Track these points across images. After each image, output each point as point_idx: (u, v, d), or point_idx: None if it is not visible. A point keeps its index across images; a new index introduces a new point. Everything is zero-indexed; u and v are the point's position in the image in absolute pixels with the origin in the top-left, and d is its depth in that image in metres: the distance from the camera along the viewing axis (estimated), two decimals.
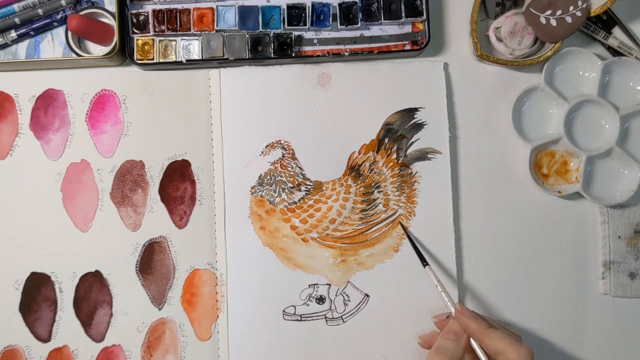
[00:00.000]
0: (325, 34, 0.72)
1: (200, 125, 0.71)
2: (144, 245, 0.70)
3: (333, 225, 0.70)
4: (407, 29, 0.72)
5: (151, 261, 0.70)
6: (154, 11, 0.70)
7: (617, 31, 0.73)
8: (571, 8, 0.67)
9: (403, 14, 0.70)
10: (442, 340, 0.62)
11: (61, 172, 0.70)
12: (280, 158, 0.70)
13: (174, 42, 0.71)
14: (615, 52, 0.73)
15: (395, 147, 0.71)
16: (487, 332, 0.60)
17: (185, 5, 0.70)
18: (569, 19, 0.67)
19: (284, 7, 0.70)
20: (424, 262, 0.67)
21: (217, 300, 0.70)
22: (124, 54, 0.70)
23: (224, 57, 0.70)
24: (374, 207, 0.71)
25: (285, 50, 0.70)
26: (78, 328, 0.69)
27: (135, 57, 0.70)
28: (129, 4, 0.70)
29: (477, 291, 0.71)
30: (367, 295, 0.70)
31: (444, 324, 0.66)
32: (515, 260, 0.72)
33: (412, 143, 0.71)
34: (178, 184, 0.71)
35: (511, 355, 0.57)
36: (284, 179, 0.70)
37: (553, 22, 0.68)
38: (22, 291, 0.69)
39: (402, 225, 0.70)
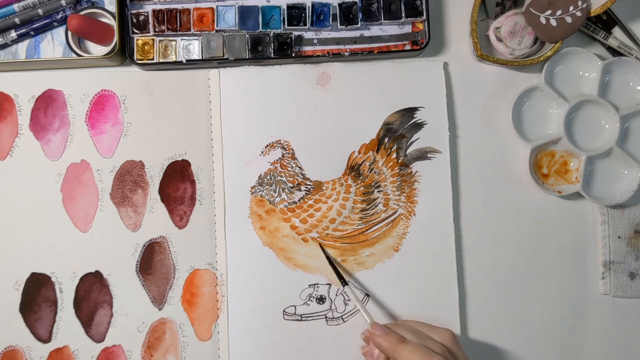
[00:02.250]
0: (325, 34, 0.72)
1: (200, 125, 0.71)
2: (144, 245, 0.70)
3: (333, 225, 0.70)
4: (407, 29, 0.72)
5: (151, 261, 0.70)
6: (154, 11, 0.70)
7: (617, 31, 0.73)
8: (571, 8, 0.67)
9: (403, 14, 0.70)
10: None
11: (61, 172, 0.70)
12: (280, 158, 0.70)
13: (174, 42, 0.71)
14: (615, 52, 0.73)
15: (395, 147, 0.71)
16: (397, 348, 0.60)
17: (185, 5, 0.70)
18: (569, 19, 0.67)
19: (284, 7, 0.70)
20: (343, 282, 0.67)
21: (217, 300, 0.70)
22: (124, 54, 0.70)
23: (224, 57, 0.70)
24: (374, 206, 0.71)
25: (285, 50, 0.70)
26: (78, 328, 0.69)
27: (135, 57, 0.70)
28: (129, 4, 0.70)
29: (477, 291, 0.71)
30: (367, 295, 0.70)
31: (367, 338, 0.67)
32: (515, 260, 0.72)
33: (412, 142, 0.71)
34: (178, 184, 0.71)
35: None
36: (283, 178, 0.70)
37: (553, 22, 0.68)
38: (22, 292, 0.69)
39: (321, 247, 0.70)
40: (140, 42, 0.70)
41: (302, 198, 0.70)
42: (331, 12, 0.71)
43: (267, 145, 0.71)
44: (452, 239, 0.71)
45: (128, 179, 0.71)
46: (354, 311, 0.70)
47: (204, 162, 0.71)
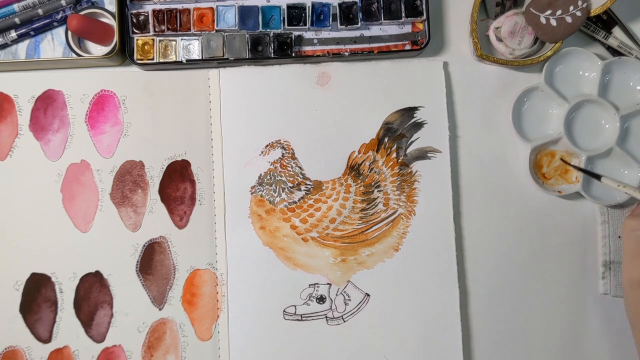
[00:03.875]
0: (325, 34, 0.72)
1: (200, 125, 0.71)
2: (144, 245, 0.70)
3: (333, 224, 0.70)
4: (407, 29, 0.72)
5: (151, 261, 0.70)
6: (154, 11, 0.70)
7: (617, 31, 0.73)
8: (571, 8, 0.67)
9: (403, 14, 0.70)
10: (635, 210, 0.65)
11: (61, 172, 0.70)
12: (280, 158, 0.70)
13: (174, 42, 0.71)
14: (615, 52, 0.73)
15: (395, 146, 0.71)
16: None
17: (185, 5, 0.70)
18: (569, 19, 0.67)
19: (284, 7, 0.70)
20: (597, 177, 0.69)
21: (217, 300, 0.70)
22: (124, 54, 0.70)
23: (224, 57, 0.70)
24: (374, 206, 0.71)
25: (285, 50, 0.70)
26: (78, 329, 0.69)
27: (135, 57, 0.70)
28: (129, 4, 0.70)
29: (478, 290, 0.71)
30: (368, 295, 0.70)
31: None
32: (515, 259, 0.72)
33: (411, 142, 0.71)
34: (178, 184, 0.71)
35: None
36: (283, 178, 0.70)
37: (553, 22, 0.68)
38: (23, 292, 0.69)
39: (566, 162, 0.72)
40: (140, 42, 0.70)
41: (302, 198, 0.70)
42: (331, 12, 0.71)
43: (267, 145, 0.71)
44: (452, 238, 0.70)
45: (128, 179, 0.71)
46: (354, 311, 0.70)
47: (204, 162, 0.71)
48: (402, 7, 0.70)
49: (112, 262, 0.70)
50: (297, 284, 0.70)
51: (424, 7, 0.70)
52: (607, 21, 0.73)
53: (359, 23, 0.70)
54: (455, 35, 0.74)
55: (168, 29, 0.70)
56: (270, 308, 0.69)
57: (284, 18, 0.70)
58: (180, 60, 0.70)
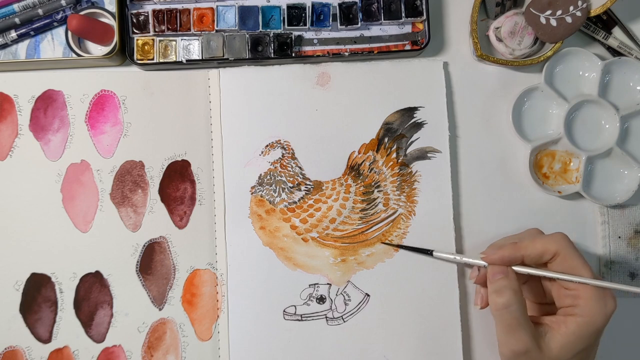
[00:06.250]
0: (325, 34, 0.72)
1: (200, 126, 0.71)
2: (144, 245, 0.70)
3: (333, 224, 0.70)
4: (407, 29, 0.72)
5: (151, 261, 0.70)
6: (154, 11, 0.70)
7: (617, 31, 0.73)
8: (571, 8, 0.67)
9: (403, 14, 0.70)
10: (494, 283, 0.62)
11: (61, 172, 0.70)
12: (280, 158, 0.70)
13: (174, 42, 0.71)
14: (615, 52, 0.73)
15: (395, 147, 0.71)
16: (519, 248, 0.61)
17: (185, 5, 0.70)
18: (569, 19, 0.67)
19: (284, 7, 0.70)
20: (428, 252, 0.69)
21: (217, 300, 0.70)
22: (124, 54, 0.70)
23: (224, 57, 0.70)
24: (374, 206, 0.71)
25: (285, 50, 0.70)
26: (78, 329, 0.69)
27: (135, 57, 0.70)
28: (129, 4, 0.70)
29: None
30: (368, 295, 0.70)
31: (482, 276, 0.65)
32: None
33: (411, 142, 0.71)
34: (178, 184, 0.71)
35: (552, 248, 0.60)
36: (283, 178, 0.70)
37: (553, 22, 0.68)
38: (23, 292, 0.69)
39: (388, 243, 0.70)
40: (140, 42, 0.70)
41: (302, 198, 0.70)
42: (331, 12, 0.71)
43: (267, 145, 0.71)
44: (452, 238, 0.70)
45: (128, 179, 0.71)
46: (354, 311, 0.70)
47: (204, 162, 0.71)
48: (402, 7, 0.70)
49: (112, 262, 0.70)
50: (297, 284, 0.70)
51: (424, 7, 0.70)
52: (607, 21, 0.73)
53: (359, 23, 0.70)
54: (455, 35, 0.74)
55: (168, 29, 0.70)
56: (270, 308, 0.69)
57: (284, 18, 0.70)
58: (180, 60, 0.70)
